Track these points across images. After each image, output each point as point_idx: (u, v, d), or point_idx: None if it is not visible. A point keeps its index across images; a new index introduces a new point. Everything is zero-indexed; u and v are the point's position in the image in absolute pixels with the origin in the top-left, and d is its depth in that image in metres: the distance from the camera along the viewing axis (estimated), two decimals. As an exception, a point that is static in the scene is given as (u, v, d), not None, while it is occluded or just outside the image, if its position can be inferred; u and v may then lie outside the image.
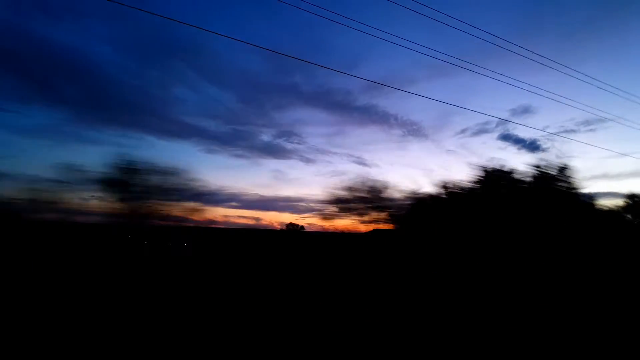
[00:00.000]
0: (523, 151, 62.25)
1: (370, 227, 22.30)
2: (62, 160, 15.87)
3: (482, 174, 18.55)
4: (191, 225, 17.22)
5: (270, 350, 4.94)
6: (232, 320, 6.41)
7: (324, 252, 20.84)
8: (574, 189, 18.46)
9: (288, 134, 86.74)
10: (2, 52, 43.63)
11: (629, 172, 55.49)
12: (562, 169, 18.36)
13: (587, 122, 54.12)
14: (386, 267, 14.87)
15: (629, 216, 24.02)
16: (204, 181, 16.44)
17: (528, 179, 18.36)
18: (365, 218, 19.59)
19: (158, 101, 71.91)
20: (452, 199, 18.78)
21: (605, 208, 21.60)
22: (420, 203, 19.46)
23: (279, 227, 34.43)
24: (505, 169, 18.73)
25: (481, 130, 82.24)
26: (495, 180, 18.28)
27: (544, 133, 58.45)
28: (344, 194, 19.30)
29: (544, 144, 45.52)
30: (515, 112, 59.85)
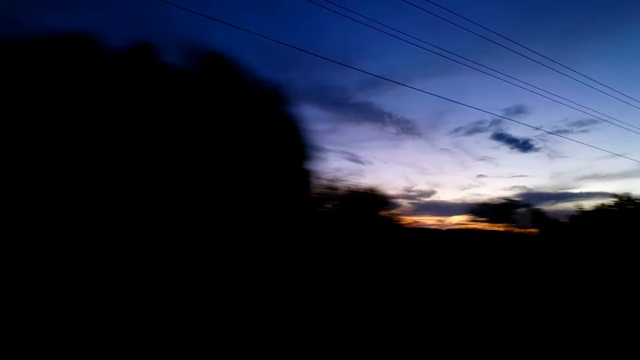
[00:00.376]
0: (516, 151, 63.13)
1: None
2: None
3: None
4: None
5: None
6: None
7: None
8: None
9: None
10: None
11: (620, 172, 56.74)
12: None
13: (579, 123, 55.08)
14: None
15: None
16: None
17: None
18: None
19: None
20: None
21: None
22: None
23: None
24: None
25: (475, 130, 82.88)
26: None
27: (537, 133, 59.36)
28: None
29: (536, 143, 46.26)
30: (509, 112, 60.44)
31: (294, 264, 10.82)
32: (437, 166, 75.71)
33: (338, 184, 19.36)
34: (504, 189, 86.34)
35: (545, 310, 7.14)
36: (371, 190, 20.75)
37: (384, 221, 20.79)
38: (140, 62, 12.18)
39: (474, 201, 55.26)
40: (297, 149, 15.02)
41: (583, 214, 26.78)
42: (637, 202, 21.29)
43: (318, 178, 16.80)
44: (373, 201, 20.50)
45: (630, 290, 9.53)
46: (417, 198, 49.08)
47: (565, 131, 56.85)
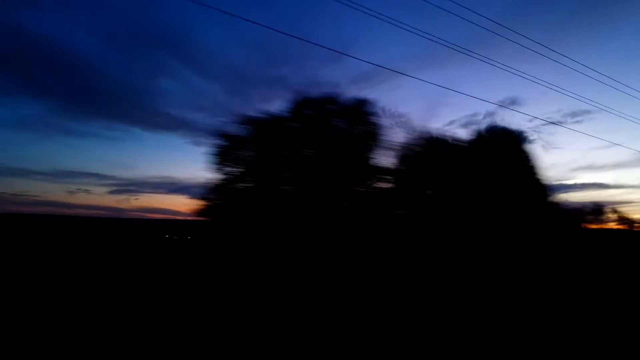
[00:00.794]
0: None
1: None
2: (48, 153, 14.66)
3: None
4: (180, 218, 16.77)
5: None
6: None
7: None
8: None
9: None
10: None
11: (615, 163, 57.18)
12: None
13: (573, 114, 55.41)
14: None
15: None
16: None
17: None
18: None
19: (144, 93, 69.83)
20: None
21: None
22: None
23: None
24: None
25: (469, 122, 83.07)
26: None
27: (531, 124, 59.51)
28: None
29: (530, 135, 46.67)
30: (503, 103, 60.57)
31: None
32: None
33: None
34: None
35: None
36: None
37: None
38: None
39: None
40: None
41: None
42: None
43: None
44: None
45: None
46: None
47: (559, 122, 57.16)
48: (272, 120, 15.13)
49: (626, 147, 66.50)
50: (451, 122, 61.95)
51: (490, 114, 70.61)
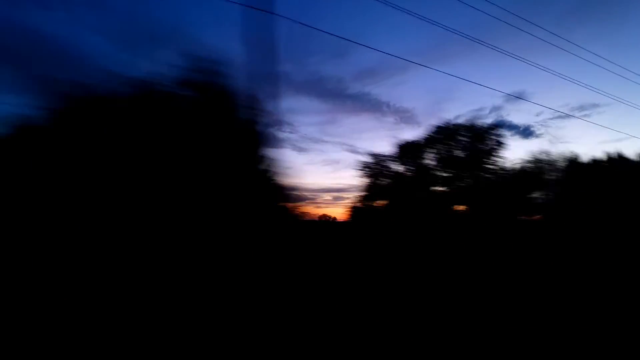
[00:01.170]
0: (517, 137, 62.58)
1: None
2: None
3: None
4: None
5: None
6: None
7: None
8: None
9: (279, 123, 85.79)
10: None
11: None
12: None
13: (581, 107, 54.46)
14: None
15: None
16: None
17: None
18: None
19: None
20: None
21: None
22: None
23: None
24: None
25: (474, 117, 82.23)
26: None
27: (538, 118, 58.72)
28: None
29: (538, 130, 46.03)
30: (510, 98, 59.76)
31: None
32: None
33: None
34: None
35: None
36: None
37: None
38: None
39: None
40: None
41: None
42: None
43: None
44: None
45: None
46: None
47: (567, 116, 56.28)
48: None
49: (635, 137, 64.89)
50: (457, 117, 61.49)
51: (497, 108, 69.84)
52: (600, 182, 21.30)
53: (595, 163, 23.19)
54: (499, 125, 22.74)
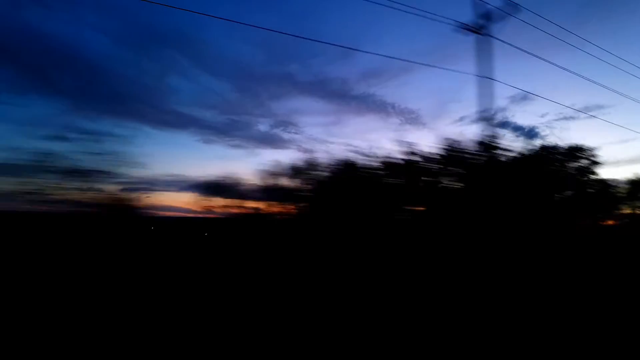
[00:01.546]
0: (522, 138, 61.78)
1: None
2: (59, 151, 15.28)
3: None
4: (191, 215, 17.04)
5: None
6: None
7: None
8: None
9: (285, 124, 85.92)
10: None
11: (630, 158, 55.36)
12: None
13: (586, 108, 53.79)
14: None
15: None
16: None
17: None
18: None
19: (153, 91, 70.32)
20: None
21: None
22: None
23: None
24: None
25: (479, 118, 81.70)
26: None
27: (543, 120, 58.07)
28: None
29: (542, 131, 45.56)
30: (514, 99, 59.15)
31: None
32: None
33: None
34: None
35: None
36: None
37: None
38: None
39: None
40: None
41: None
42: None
43: None
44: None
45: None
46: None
47: (572, 117, 55.63)
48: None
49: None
50: (462, 119, 61.13)
51: (502, 109, 69.15)
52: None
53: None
54: (507, 126, 22.35)
